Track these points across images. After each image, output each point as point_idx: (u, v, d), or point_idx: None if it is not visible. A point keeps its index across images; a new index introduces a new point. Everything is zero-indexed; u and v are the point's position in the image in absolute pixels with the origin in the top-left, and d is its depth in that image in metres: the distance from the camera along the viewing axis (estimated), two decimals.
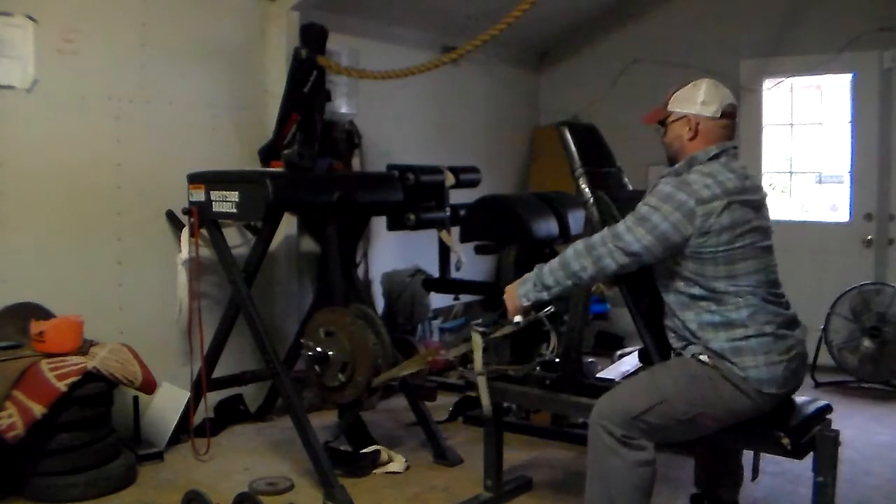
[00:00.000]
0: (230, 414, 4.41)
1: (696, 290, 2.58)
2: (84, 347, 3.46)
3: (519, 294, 2.78)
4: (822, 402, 2.79)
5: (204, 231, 3.91)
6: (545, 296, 2.73)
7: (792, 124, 6.04)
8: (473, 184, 4.98)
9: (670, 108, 2.75)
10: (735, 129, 2.75)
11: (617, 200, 3.00)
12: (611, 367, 4.86)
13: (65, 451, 3.32)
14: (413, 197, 4.51)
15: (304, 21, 4.56)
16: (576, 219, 4.52)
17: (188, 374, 3.98)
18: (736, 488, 3.02)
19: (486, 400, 3.01)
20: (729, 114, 2.72)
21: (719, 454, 2.98)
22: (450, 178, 4.76)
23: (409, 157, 5.16)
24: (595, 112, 6.01)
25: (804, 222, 6.04)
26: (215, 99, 4.47)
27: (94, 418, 3.43)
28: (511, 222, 4.46)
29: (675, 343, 2.70)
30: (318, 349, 3.51)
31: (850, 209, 5.72)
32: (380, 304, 5.36)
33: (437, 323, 5.92)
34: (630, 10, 6.44)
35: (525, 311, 2.82)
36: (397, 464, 3.78)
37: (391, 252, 5.49)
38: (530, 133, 6.96)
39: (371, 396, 3.62)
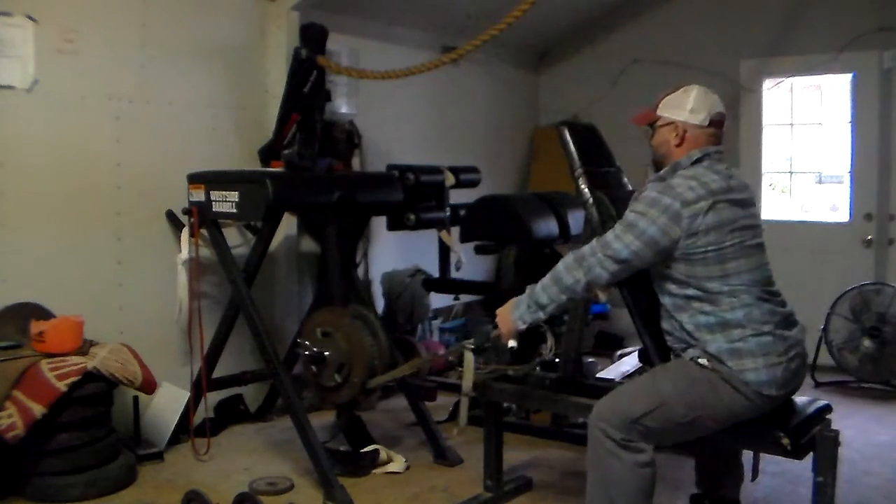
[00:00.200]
0: (230, 414, 4.41)
1: (691, 292, 2.58)
2: (84, 347, 3.46)
3: (514, 318, 2.72)
4: (821, 402, 2.79)
5: (204, 231, 3.91)
6: (541, 315, 2.70)
7: (792, 124, 6.04)
8: (473, 184, 4.98)
9: (659, 112, 2.77)
10: (721, 136, 2.75)
11: (617, 200, 3.00)
12: (611, 367, 4.87)
13: (65, 451, 3.32)
14: (413, 197, 4.51)
15: (304, 21, 4.55)
16: (576, 219, 4.52)
17: (188, 374, 3.98)
18: (736, 488, 3.02)
19: (463, 421, 2.98)
20: (717, 122, 2.72)
21: (719, 454, 2.98)
22: (450, 178, 4.75)
23: (409, 157, 5.16)
24: (595, 112, 6.01)
25: (804, 222, 6.04)
26: (215, 99, 4.47)
27: (94, 418, 3.43)
28: (511, 222, 4.46)
29: (674, 345, 2.70)
30: (315, 349, 3.52)
31: (850, 209, 5.71)
32: (380, 304, 5.36)
33: (437, 323, 5.92)
34: (630, 10, 6.43)
35: (520, 334, 2.76)
36: (397, 464, 3.78)
37: (391, 252, 5.48)
38: (530, 133, 6.95)
39: (367, 397, 3.62)
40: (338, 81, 4.92)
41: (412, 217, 4.59)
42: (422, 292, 5.29)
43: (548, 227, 4.56)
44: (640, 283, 2.78)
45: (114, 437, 3.56)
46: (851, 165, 5.70)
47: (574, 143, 3.13)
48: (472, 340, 2.96)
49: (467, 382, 2.93)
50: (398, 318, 5.29)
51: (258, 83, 4.68)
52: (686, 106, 2.70)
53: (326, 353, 3.50)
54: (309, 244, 4.90)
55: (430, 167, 4.76)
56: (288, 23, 4.64)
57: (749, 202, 2.68)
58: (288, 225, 4.61)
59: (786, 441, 2.49)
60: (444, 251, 4.96)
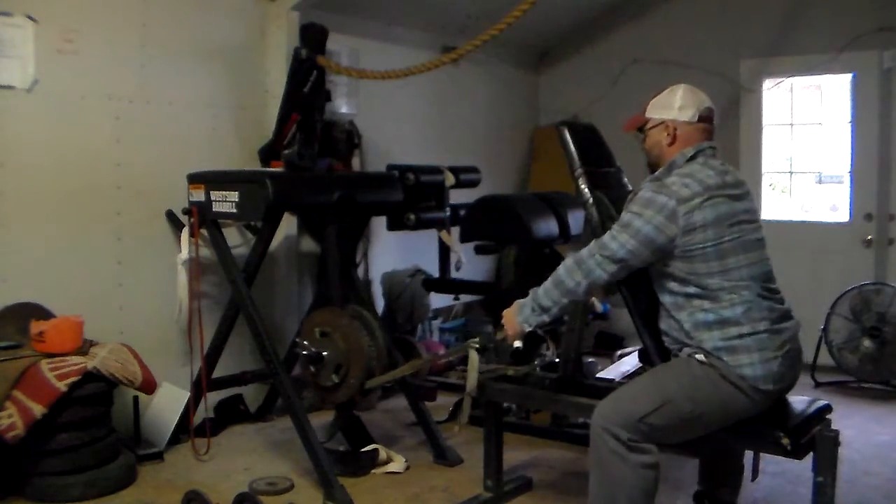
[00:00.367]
0: (230, 414, 4.41)
1: (691, 289, 2.59)
2: (84, 347, 3.46)
3: (519, 321, 2.79)
4: (821, 402, 2.80)
5: (204, 231, 3.91)
6: (545, 318, 2.75)
7: (792, 124, 6.04)
8: (473, 184, 4.98)
9: (648, 114, 2.80)
10: (713, 131, 2.77)
11: (617, 201, 3.00)
12: (611, 367, 4.86)
13: (65, 451, 3.32)
14: (413, 197, 4.52)
15: (304, 21, 4.55)
16: (576, 219, 4.53)
17: (188, 374, 3.98)
18: (736, 488, 3.03)
19: (465, 419, 3.05)
20: (706, 117, 2.75)
21: (720, 454, 2.98)
22: (450, 178, 4.76)
23: (409, 157, 5.17)
24: (595, 112, 6.01)
25: (804, 222, 6.03)
26: (215, 99, 4.47)
27: (94, 418, 3.43)
28: (511, 222, 4.47)
29: (670, 345, 2.72)
30: (313, 349, 3.52)
31: (850, 209, 5.71)
32: (380, 304, 5.36)
33: (437, 323, 5.92)
34: (630, 10, 6.43)
35: (525, 335, 2.85)
36: (397, 464, 3.78)
37: (391, 252, 5.48)
38: (530, 133, 6.95)
39: (365, 397, 3.62)
40: (338, 81, 4.92)
41: (412, 217, 4.59)
42: (422, 292, 5.29)
43: (548, 227, 4.56)
44: (640, 283, 2.79)
45: (114, 437, 3.56)
46: (851, 165, 5.70)
47: (574, 143, 3.13)
48: (476, 340, 2.99)
49: (472, 381, 2.96)
50: (398, 318, 5.29)
51: (258, 83, 4.68)
52: (674, 104, 2.73)
53: (324, 353, 3.50)
54: (309, 244, 4.90)
55: (430, 167, 4.76)
56: (288, 23, 4.64)
57: (745, 196, 2.70)
58: (288, 225, 4.61)
59: (786, 441, 2.50)
60: (444, 251, 4.97)
